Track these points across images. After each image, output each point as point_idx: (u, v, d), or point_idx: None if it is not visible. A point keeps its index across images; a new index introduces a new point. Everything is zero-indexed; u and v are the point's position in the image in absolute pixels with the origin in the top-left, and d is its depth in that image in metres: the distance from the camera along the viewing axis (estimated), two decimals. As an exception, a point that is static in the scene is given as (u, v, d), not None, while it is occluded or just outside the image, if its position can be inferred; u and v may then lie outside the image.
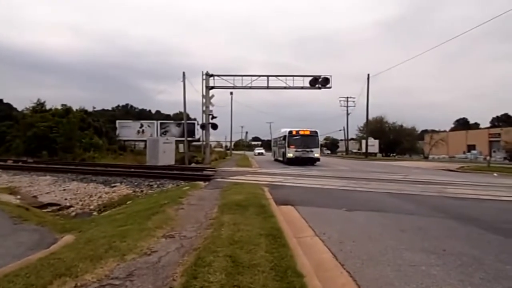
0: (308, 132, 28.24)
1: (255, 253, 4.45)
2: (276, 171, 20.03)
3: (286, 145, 28.18)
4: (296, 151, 27.51)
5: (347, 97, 57.13)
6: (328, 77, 27.62)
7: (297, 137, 28.00)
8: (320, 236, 5.78)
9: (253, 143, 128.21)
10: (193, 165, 28.81)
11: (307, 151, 27.58)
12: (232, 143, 70.96)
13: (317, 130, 28.72)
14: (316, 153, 28.14)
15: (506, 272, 4.29)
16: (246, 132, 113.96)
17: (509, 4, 68.21)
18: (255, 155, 58.09)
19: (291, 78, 28.56)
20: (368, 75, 40.99)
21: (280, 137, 31.98)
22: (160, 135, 45.81)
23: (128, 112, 79.37)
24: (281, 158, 31.25)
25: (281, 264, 4.06)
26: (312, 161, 27.90)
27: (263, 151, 64.70)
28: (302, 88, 28.60)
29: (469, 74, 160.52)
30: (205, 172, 18.88)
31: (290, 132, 28.27)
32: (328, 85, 27.73)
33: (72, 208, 12.01)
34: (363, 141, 53.02)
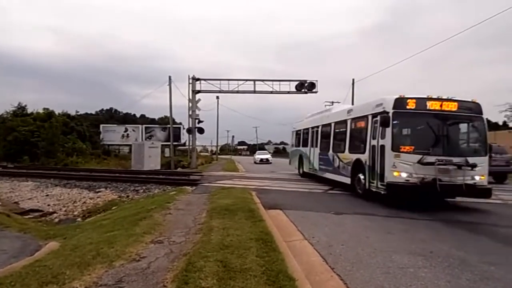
0: (454, 106, 9.18)
1: (246, 257, 4.44)
2: (263, 175, 20.02)
3: (386, 144, 9.10)
4: (424, 165, 8.59)
5: (332, 102, 57.69)
6: (314, 82, 27.83)
7: (430, 117, 9.06)
8: (309, 240, 5.80)
9: (239, 147, 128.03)
10: (179, 169, 28.56)
11: (460, 167, 8.63)
12: (218, 148, 70.49)
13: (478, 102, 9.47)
14: (481, 173, 9.00)
15: (491, 273, 4.40)
16: (233, 137, 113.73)
17: (484, 14, 70.42)
18: (255, 162, 39.11)
19: (278, 82, 28.66)
20: (353, 80, 41.41)
21: (347, 120, 12.16)
22: (145, 140, 45.28)
23: (112, 116, 78.26)
24: (339, 177, 12.59)
25: (273, 268, 4.06)
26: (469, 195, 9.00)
27: (268, 156, 42.20)
28: (288, 92, 28.70)
29: (449, 79, 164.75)
30: (192, 177, 18.72)
31: (401, 101, 9.07)
32: (314, 90, 27.91)
33: (55, 214, 11.76)
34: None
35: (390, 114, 9.01)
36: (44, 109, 41.03)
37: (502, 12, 13.71)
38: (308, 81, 27.87)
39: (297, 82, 28.16)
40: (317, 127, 15.69)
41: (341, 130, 12.64)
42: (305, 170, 17.77)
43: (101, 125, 51.59)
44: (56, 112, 41.51)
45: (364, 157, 10.15)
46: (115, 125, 54.87)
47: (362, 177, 10.32)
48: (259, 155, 42.34)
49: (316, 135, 15.88)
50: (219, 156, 60.39)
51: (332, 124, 13.64)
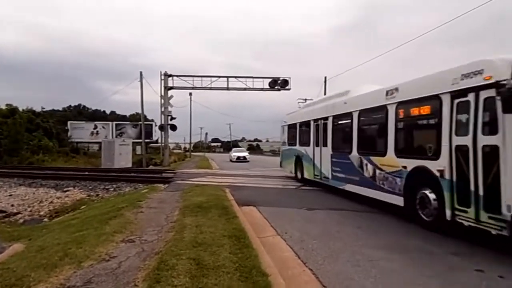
0: None
1: (219, 254, 4.43)
2: (237, 173, 20.01)
3: (505, 142, 5.03)
4: None
5: (305, 99, 58.39)
6: (287, 79, 28.03)
7: None
8: (282, 236, 5.88)
9: (213, 144, 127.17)
10: (151, 167, 28.07)
11: None
12: (192, 145, 69.73)
13: None
14: None
15: (457, 263, 4.63)
16: (206, 134, 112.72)
17: (454, 12, 73.17)
18: (231, 160, 36.48)
19: (251, 79, 28.67)
20: (325, 77, 42.13)
21: (389, 105, 7.95)
22: (116, 137, 44.11)
23: (81, 113, 75.49)
24: (376, 193, 8.38)
25: (246, 264, 4.08)
26: None
27: (246, 154, 39.06)
28: (262, 89, 28.77)
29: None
30: (164, 174, 18.44)
31: None
32: (287, 87, 28.12)
33: (19, 215, 11.25)
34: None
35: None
36: (7, 105, 39.00)
37: (468, 12, 14.29)
38: (281, 78, 28.04)
39: (270, 79, 28.28)
40: (326, 119, 11.49)
41: (375, 121, 8.68)
42: (306, 176, 13.33)
43: (69, 122, 49.69)
44: (20, 109, 39.59)
45: (438, 164, 6.22)
46: (84, 122, 52.94)
47: (432, 197, 6.40)
48: (235, 153, 38.82)
49: (324, 130, 11.63)
50: (192, 154, 59.74)
51: (355, 114, 9.45)
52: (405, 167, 7.09)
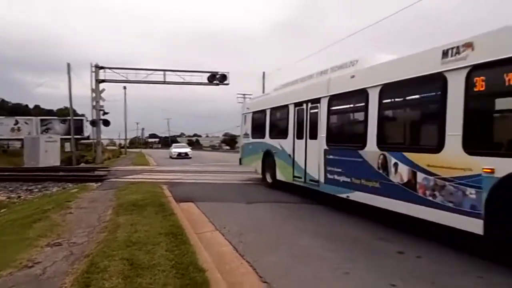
0: None
1: (155, 253, 4.32)
2: (176, 169, 19.58)
3: None
4: None
5: (244, 94, 58.97)
6: (226, 73, 27.97)
7: None
8: (220, 230, 5.90)
9: (150, 140, 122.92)
10: (82, 165, 26.33)
11: None
12: (127, 141, 66.69)
13: None
14: None
15: (382, 247, 5.05)
16: (143, 129, 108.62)
17: (380, 15, 78.35)
18: (172, 157, 33.38)
19: (189, 73, 28.17)
20: (264, 73, 42.76)
21: (448, 72, 5.04)
22: (41, 133, 40.57)
23: (0, 107, 68.36)
24: (418, 208, 5.44)
25: (182, 261, 4.03)
26: None
27: (188, 150, 35.96)
28: (200, 84, 28.42)
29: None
30: (97, 172, 17.44)
31: None
32: (226, 82, 28.07)
33: None
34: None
35: None
36: None
37: (391, 15, 15.45)
38: (219, 73, 27.91)
39: (209, 74, 28.01)
40: (315, 101, 8.48)
41: (417, 100, 6.15)
42: (280, 178, 10.26)
43: (-15, 117, 44.71)
44: None
45: None
46: (3, 117, 47.87)
47: None
48: (176, 149, 35.62)
49: (312, 117, 8.70)
50: (128, 150, 57.21)
51: (373, 91, 6.57)
52: (490, 170, 4.33)
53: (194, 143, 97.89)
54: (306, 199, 8.85)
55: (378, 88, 6.41)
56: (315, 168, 8.26)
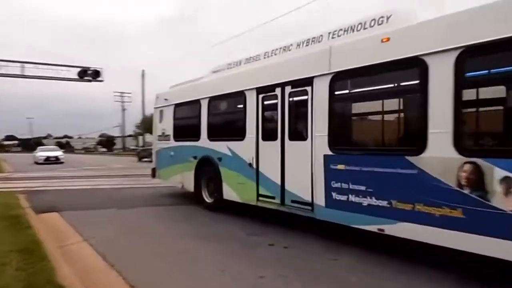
0: None
1: (2, 273, 3.72)
2: (38, 175, 17.20)
3: None
4: None
5: (122, 92, 55.55)
6: (99, 69, 25.66)
7: None
8: (89, 240, 5.42)
9: (6, 142, 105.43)
10: None
11: None
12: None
13: None
14: None
15: (255, 241, 5.38)
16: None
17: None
18: (38, 162, 28.19)
19: (56, 68, 24.98)
20: (143, 70, 40.80)
21: None
22: None
23: None
24: None
25: (37, 280, 3.55)
26: None
27: (59, 153, 30.97)
28: (69, 80, 25.50)
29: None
30: None
31: None
32: (99, 78, 25.73)
33: None
34: (140, 138, 52.73)
35: None
36: None
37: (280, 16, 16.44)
38: (91, 68, 25.54)
39: (79, 69, 25.38)
40: (304, 83, 5.57)
41: None
42: (230, 197, 7.16)
43: None
44: None
45: None
46: None
47: None
48: (44, 152, 30.15)
49: (295, 108, 5.87)
50: (-24, 155, 47.90)
51: (434, 60, 3.91)
52: None
53: (65, 145, 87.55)
54: (180, 199, 8.79)
55: (453, 55, 3.74)
56: (305, 184, 5.45)
